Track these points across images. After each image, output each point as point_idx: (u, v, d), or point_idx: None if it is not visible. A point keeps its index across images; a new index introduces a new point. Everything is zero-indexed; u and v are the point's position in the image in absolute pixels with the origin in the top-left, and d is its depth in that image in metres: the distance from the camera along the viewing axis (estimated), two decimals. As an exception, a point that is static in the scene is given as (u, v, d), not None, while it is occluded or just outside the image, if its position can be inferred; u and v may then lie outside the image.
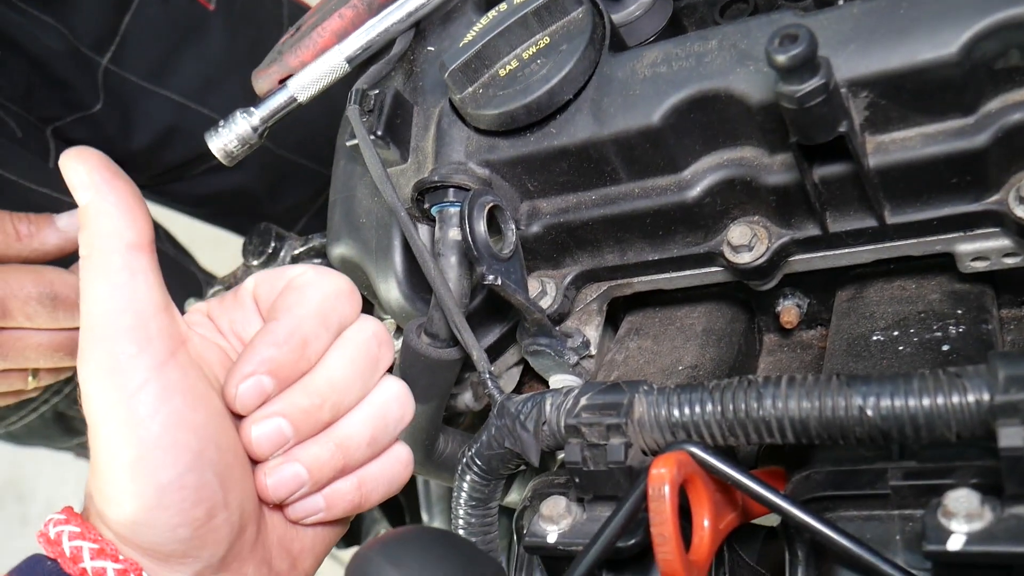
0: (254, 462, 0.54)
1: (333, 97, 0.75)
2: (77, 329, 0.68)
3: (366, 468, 0.56)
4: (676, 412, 0.52)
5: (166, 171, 1.40)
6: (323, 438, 0.54)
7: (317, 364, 0.54)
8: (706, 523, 0.51)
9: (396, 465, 0.58)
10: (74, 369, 0.82)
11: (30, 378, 0.84)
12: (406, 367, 0.69)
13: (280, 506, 0.55)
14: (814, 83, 0.50)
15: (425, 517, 1.02)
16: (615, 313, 0.77)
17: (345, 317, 0.55)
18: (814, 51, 0.49)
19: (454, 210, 0.66)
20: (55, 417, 1.28)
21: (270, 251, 0.93)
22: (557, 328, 0.69)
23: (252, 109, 0.74)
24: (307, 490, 0.54)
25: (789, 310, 0.72)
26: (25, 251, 0.78)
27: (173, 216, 1.53)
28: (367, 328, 0.56)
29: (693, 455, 0.51)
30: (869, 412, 0.47)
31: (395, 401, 0.56)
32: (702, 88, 0.59)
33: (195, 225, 1.58)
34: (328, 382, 0.53)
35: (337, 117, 0.80)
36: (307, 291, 0.54)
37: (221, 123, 0.74)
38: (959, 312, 0.61)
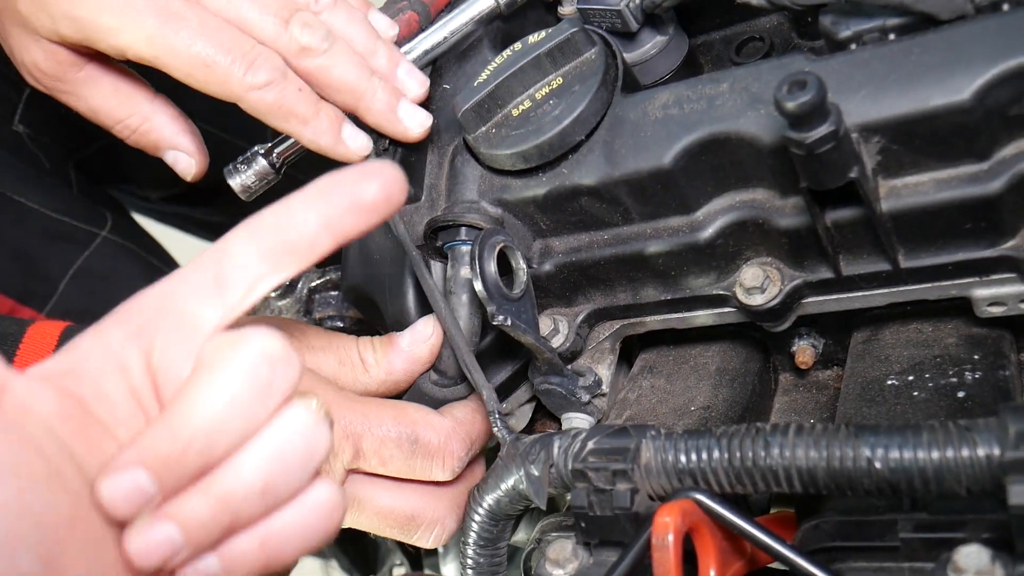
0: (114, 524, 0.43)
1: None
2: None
3: (271, 521, 0.45)
4: (683, 458, 0.52)
5: (184, 196, 1.41)
6: (200, 489, 0.43)
7: (181, 396, 0.43)
8: (712, 572, 0.51)
9: (313, 514, 0.45)
10: None
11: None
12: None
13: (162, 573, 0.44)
14: (823, 130, 0.49)
15: (440, 550, 1.02)
16: (629, 348, 0.77)
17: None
18: (823, 98, 0.49)
19: (466, 248, 0.66)
20: None
21: (287, 283, 0.93)
22: (569, 366, 0.69)
23: (269, 145, 0.75)
24: (187, 554, 0.42)
25: (804, 350, 0.71)
26: (373, 384, 0.70)
27: (189, 240, 1.55)
28: (252, 347, 0.43)
29: (699, 503, 0.50)
30: (877, 464, 0.46)
31: (298, 436, 0.44)
32: (713, 131, 0.58)
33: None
34: (193, 419, 0.42)
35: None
36: None
37: (240, 159, 0.75)
38: (976, 357, 0.60)
